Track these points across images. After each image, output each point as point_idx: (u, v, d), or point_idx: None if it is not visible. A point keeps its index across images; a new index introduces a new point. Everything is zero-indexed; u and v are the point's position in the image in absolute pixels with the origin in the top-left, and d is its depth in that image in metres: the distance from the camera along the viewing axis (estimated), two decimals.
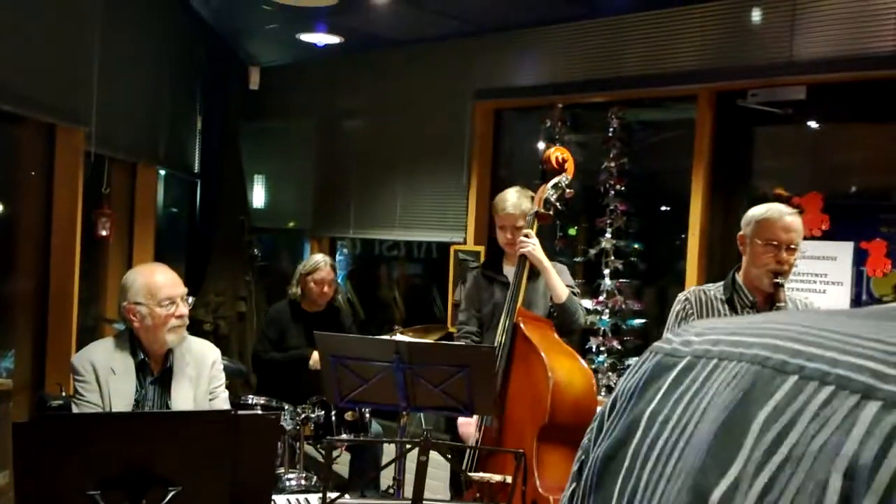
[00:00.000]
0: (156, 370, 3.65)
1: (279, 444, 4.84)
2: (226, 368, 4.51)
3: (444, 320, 6.61)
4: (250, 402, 5.15)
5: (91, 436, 2.64)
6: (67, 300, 5.47)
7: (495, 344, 4.16)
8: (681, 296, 3.76)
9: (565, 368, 3.99)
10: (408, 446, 3.07)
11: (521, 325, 4.16)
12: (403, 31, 6.59)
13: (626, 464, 0.64)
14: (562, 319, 4.35)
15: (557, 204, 4.40)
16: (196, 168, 7.70)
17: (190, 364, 3.69)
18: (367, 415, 5.22)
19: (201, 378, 3.72)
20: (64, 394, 4.69)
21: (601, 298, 5.79)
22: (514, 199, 4.47)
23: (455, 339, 4.71)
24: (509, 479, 3.82)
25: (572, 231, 6.25)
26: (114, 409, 3.49)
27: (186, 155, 7.56)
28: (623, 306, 5.79)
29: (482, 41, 6.38)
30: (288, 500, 3.58)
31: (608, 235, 5.78)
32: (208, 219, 7.68)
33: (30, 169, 5.54)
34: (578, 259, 6.01)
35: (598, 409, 0.71)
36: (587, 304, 5.81)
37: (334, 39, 6.78)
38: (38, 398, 4.74)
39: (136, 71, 6.29)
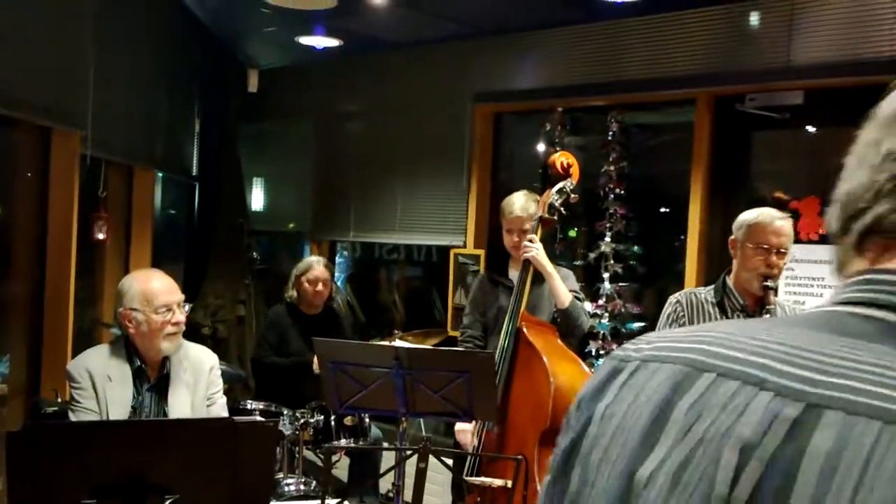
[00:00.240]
0: (152, 377, 3.62)
1: (278, 449, 4.83)
2: (224, 373, 4.50)
3: (444, 324, 6.59)
4: (249, 407, 5.13)
5: (87, 444, 2.62)
6: (63, 304, 5.45)
7: (498, 348, 4.15)
8: (672, 298, 3.77)
9: (567, 373, 3.98)
10: (407, 453, 3.05)
11: (525, 330, 4.15)
12: (402, 34, 6.58)
13: (582, 452, 0.77)
14: (565, 324, 4.34)
15: (562, 209, 4.39)
16: (194, 171, 7.68)
17: (187, 370, 3.67)
18: (367, 419, 5.20)
19: (199, 384, 3.69)
20: (59, 399, 4.67)
21: (601, 302, 5.78)
22: (521, 202, 4.47)
23: (458, 342, 4.70)
24: (510, 484, 3.82)
25: (572, 233, 6.24)
26: (111, 416, 3.47)
27: (184, 158, 7.54)
28: (622, 310, 5.78)
29: (481, 44, 6.37)
30: None
31: (608, 239, 5.76)
32: (207, 222, 7.66)
33: (26, 172, 5.52)
34: (578, 263, 6.00)
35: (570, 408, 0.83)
36: (586, 305, 5.80)
37: (333, 42, 6.76)
38: (32, 404, 4.72)
39: (133, 73, 6.27)
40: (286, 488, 4.82)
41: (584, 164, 6.03)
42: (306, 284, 5.84)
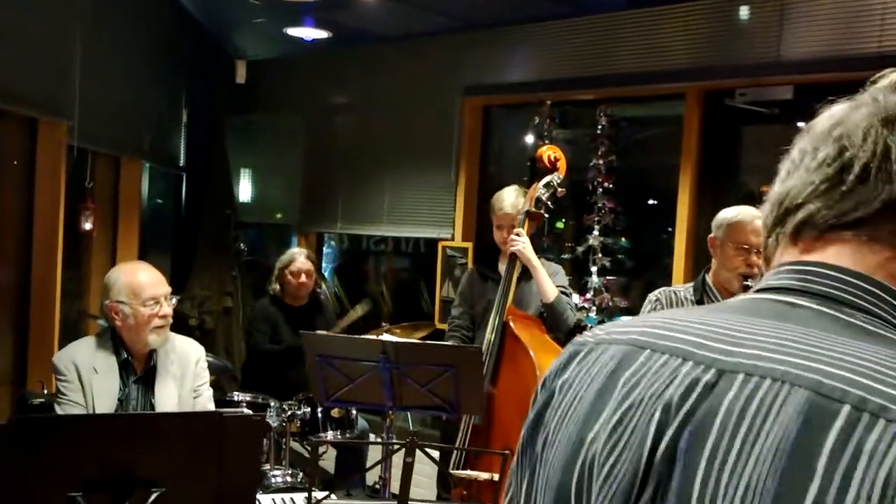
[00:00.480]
0: (139, 369, 3.61)
1: (265, 441, 4.82)
2: (212, 365, 4.49)
3: (432, 316, 6.59)
4: (236, 398, 5.13)
5: (74, 437, 2.61)
6: (50, 295, 5.43)
7: (485, 342, 4.15)
8: (651, 296, 3.78)
9: None
10: (394, 447, 3.05)
11: (511, 324, 4.15)
12: (392, 27, 6.56)
13: (545, 420, 0.91)
14: (551, 319, 4.35)
15: (549, 203, 4.39)
16: (182, 162, 7.65)
17: (174, 362, 3.66)
18: (354, 411, 5.20)
19: (186, 376, 3.69)
20: (46, 391, 4.66)
21: (588, 296, 5.78)
22: (511, 198, 4.47)
23: (446, 333, 4.71)
24: (496, 477, 3.82)
25: (559, 225, 6.24)
26: (97, 409, 3.45)
27: (172, 148, 7.51)
28: (610, 303, 5.78)
29: (471, 37, 6.35)
30: (273, 499, 3.56)
31: (595, 233, 5.76)
32: (194, 213, 7.63)
33: (12, 163, 5.49)
34: (566, 256, 6.00)
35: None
36: (575, 300, 5.80)
37: (322, 34, 6.74)
38: (19, 396, 4.70)
39: (120, 64, 6.23)
40: (273, 480, 4.82)
41: (572, 157, 6.04)
42: (289, 276, 5.85)
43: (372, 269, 7.96)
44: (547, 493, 0.87)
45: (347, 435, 5.21)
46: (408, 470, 2.85)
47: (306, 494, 3.03)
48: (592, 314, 5.76)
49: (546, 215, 4.51)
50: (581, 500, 0.82)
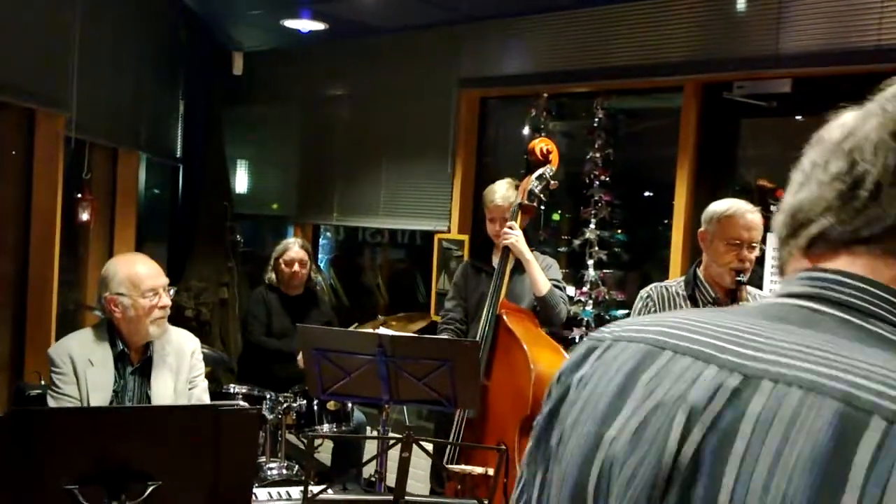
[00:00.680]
0: (135, 360, 3.62)
1: (261, 433, 4.82)
2: (207, 357, 4.49)
3: (428, 308, 6.59)
4: (232, 391, 5.13)
5: (69, 430, 2.61)
6: (47, 286, 5.43)
7: (478, 335, 4.15)
8: (643, 293, 3.77)
9: (547, 360, 3.99)
10: (390, 442, 3.05)
11: (504, 317, 4.15)
12: (388, 19, 6.54)
13: (560, 415, 0.90)
14: (543, 312, 4.35)
15: (542, 196, 4.39)
16: (178, 153, 7.63)
17: (170, 354, 3.67)
18: (350, 404, 5.20)
19: (181, 368, 3.70)
20: (42, 382, 4.65)
21: (585, 289, 5.78)
22: (503, 191, 4.47)
23: (439, 326, 4.71)
24: (490, 472, 3.82)
25: (556, 216, 6.24)
26: (92, 401, 3.46)
27: (169, 140, 7.50)
28: (606, 297, 5.78)
29: (468, 29, 6.34)
30: (269, 493, 3.56)
31: (592, 226, 5.76)
32: (191, 204, 7.62)
33: (9, 156, 5.48)
34: (563, 249, 6.00)
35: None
36: (570, 291, 5.80)
37: (319, 26, 6.72)
38: (16, 388, 4.69)
39: (117, 55, 6.21)
40: (269, 472, 4.82)
41: (569, 150, 6.06)
42: (283, 266, 5.87)
43: (368, 260, 7.97)
44: (563, 489, 0.87)
45: (344, 428, 5.21)
46: (404, 465, 2.85)
47: (302, 488, 3.02)
48: (589, 307, 5.76)
49: (542, 207, 4.50)
50: (599, 500, 0.83)
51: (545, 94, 6.04)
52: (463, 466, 3.96)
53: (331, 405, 5.11)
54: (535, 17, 5.95)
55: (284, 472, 4.86)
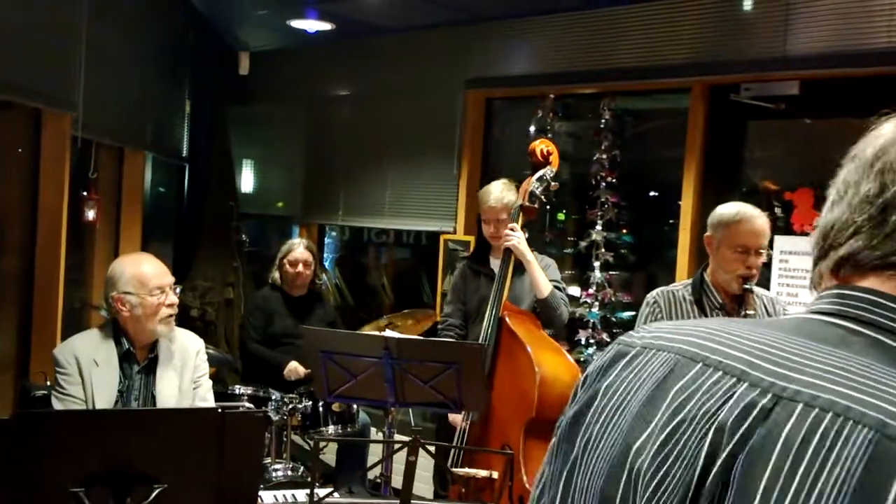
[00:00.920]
0: (141, 360, 3.62)
1: (266, 434, 4.82)
2: (213, 357, 4.49)
3: (433, 308, 6.58)
4: (237, 392, 5.12)
5: (75, 433, 2.60)
6: (53, 285, 5.44)
7: (480, 338, 4.14)
8: (649, 297, 3.73)
9: (551, 362, 3.98)
10: (396, 446, 3.04)
11: (507, 319, 4.14)
12: (395, 19, 6.53)
13: (586, 422, 0.90)
14: (544, 314, 4.33)
15: (543, 197, 4.38)
16: (184, 153, 7.64)
17: (175, 354, 3.68)
18: (355, 406, 5.20)
19: (186, 368, 3.70)
20: (48, 383, 4.66)
21: (591, 291, 5.76)
22: (497, 192, 4.44)
23: (439, 331, 4.70)
24: (495, 475, 3.81)
25: (561, 216, 6.23)
26: (97, 401, 3.46)
27: (175, 139, 7.50)
28: (612, 299, 5.77)
29: (474, 30, 6.32)
30: (275, 496, 3.55)
31: (599, 228, 5.75)
32: (196, 204, 7.62)
33: (16, 155, 5.49)
34: (569, 251, 5.99)
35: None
36: (575, 293, 5.79)
37: (325, 26, 6.72)
38: (21, 388, 4.70)
39: (123, 55, 6.22)
40: (274, 474, 4.82)
41: (575, 151, 6.05)
42: (287, 266, 5.88)
43: (373, 261, 7.96)
44: (589, 497, 0.87)
45: (349, 429, 5.21)
46: (410, 469, 2.84)
47: (308, 490, 3.02)
48: (595, 309, 5.75)
49: (548, 207, 4.49)
50: None
51: (551, 95, 6.03)
52: (467, 470, 3.94)
53: (336, 406, 5.11)
54: (542, 17, 5.93)
55: (289, 473, 4.85)
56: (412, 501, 2.91)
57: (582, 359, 5.50)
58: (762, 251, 3.46)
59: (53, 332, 5.37)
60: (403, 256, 7.78)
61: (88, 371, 3.49)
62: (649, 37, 5.41)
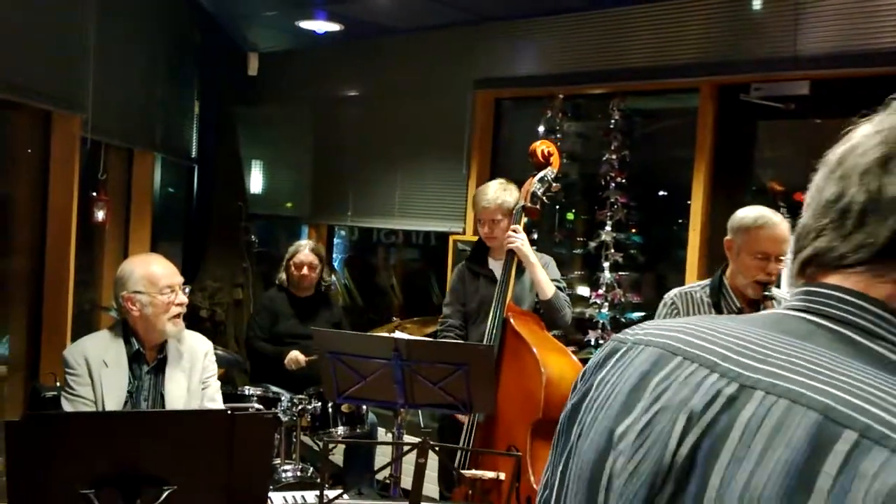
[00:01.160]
0: (150, 360, 3.62)
1: (276, 435, 4.82)
2: (222, 358, 4.50)
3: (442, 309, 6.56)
4: (247, 392, 5.13)
5: (85, 434, 2.61)
6: (63, 286, 5.45)
7: (485, 339, 4.13)
8: (667, 298, 3.70)
9: (557, 363, 3.97)
10: (405, 448, 3.04)
11: (511, 320, 4.14)
12: (403, 19, 6.53)
13: (581, 413, 0.97)
14: (548, 316, 4.32)
15: (544, 198, 4.37)
16: (193, 153, 7.65)
17: (184, 355, 3.69)
18: (364, 406, 5.20)
19: (194, 369, 3.71)
20: (58, 384, 4.66)
21: (601, 291, 5.76)
22: (491, 193, 4.43)
23: (438, 332, 4.68)
24: (502, 476, 3.81)
25: (570, 216, 6.22)
26: (106, 402, 3.47)
27: (184, 140, 7.51)
28: (622, 299, 5.76)
29: (483, 30, 6.32)
30: (284, 497, 3.55)
31: (608, 228, 5.73)
32: (205, 204, 7.63)
33: (26, 157, 5.50)
34: (578, 251, 5.98)
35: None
36: (585, 293, 5.79)
37: (334, 27, 6.72)
38: (31, 389, 4.71)
39: (132, 57, 6.24)
40: (283, 475, 4.82)
41: (585, 151, 6.04)
42: (293, 268, 5.90)
43: (382, 261, 7.96)
44: (579, 484, 0.93)
45: (358, 429, 5.22)
46: (420, 470, 2.84)
47: (317, 492, 3.02)
48: (605, 310, 5.74)
49: (556, 207, 4.48)
50: (609, 494, 0.89)
51: (560, 96, 6.02)
52: (475, 471, 3.94)
53: (345, 407, 5.11)
54: (551, 18, 5.92)
55: (299, 474, 4.85)
56: (422, 503, 2.90)
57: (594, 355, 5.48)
58: (783, 258, 3.41)
59: (63, 333, 5.38)
60: (412, 257, 7.78)
61: (98, 372, 3.50)
62: (658, 37, 5.40)
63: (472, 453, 4.13)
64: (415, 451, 2.90)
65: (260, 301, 6.29)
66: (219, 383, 3.87)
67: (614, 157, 5.73)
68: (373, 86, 7.17)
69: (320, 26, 6.74)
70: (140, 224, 6.72)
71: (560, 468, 0.99)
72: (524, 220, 4.38)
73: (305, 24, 6.72)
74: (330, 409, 5.10)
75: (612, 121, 5.77)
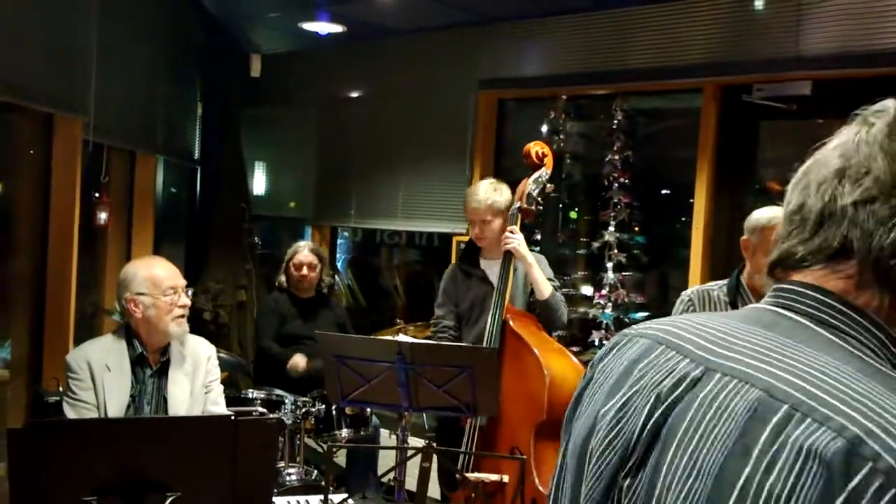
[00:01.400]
0: (153, 363, 3.62)
1: (280, 438, 4.81)
2: (225, 361, 4.49)
3: None
4: (251, 396, 5.12)
5: (88, 441, 2.60)
6: (65, 289, 5.44)
7: (484, 340, 4.12)
8: (684, 296, 3.69)
9: (559, 364, 3.97)
10: (410, 453, 3.03)
11: (510, 322, 4.13)
12: (406, 20, 6.52)
13: (583, 399, 1.08)
14: (545, 316, 4.31)
15: (539, 199, 4.37)
16: (196, 155, 7.64)
17: (187, 359, 3.68)
18: (368, 409, 5.19)
19: (197, 373, 3.71)
20: (60, 389, 4.66)
21: (604, 292, 5.75)
22: (481, 193, 4.42)
23: (432, 333, 4.67)
24: (506, 479, 3.80)
25: (573, 216, 6.22)
26: (109, 406, 3.46)
27: (186, 142, 7.51)
28: (626, 299, 5.75)
29: (486, 31, 6.31)
30: (289, 501, 3.55)
31: (611, 228, 5.73)
32: (208, 206, 7.62)
33: (29, 158, 5.50)
34: (581, 252, 5.97)
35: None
36: (588, 293, 5.78)
37: (337, 28, 6.71)
38: (34, 394, 4.70)
39: (134, 59, 6.23)
40: (287, 478, 4.81)
41: (588, 151, 6.03)
42: (292, 269, 5.90)
43: (385, 262, 7.95)
44: (572, 461, 1.05)
45: (362, 432, 5.21)
46: (424, 475, 2.84)
47: (322, 497, 3.01)
48: (608, 310, 5.73)
49: (537, 210, 4.47)
50: (589, 468, 1.02)
51: (563, 96, 6.01)
52: (478, 474, 3.93)
53: (349, 410, 5.11)
54: (554, 18, 5.92)
55: (303, 477, 4.85)
56: None
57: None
58: None
59: (66, 337, 5.37)
60: (416, 258, 7.77)
61: (101, 376, 3.49)
62: (661, 37, 5.39)
63: (473, 456, 4.12)
64: (420, 457, 2.90)
65: (265, 304, 6.28)
66: (221, 387, 3.87)
67: (617, 157, 5.73)
68: (376, 87, 7.17)
69: (323, 28, 6.73)
70: (142, 226, 6.71)
71: (562, 449, 1.10)
72: (520, 220, 4.36)
73: (308, 26, 6.72)
74: (334, 412, 5.10)
75: (615, 121, 5.76)
